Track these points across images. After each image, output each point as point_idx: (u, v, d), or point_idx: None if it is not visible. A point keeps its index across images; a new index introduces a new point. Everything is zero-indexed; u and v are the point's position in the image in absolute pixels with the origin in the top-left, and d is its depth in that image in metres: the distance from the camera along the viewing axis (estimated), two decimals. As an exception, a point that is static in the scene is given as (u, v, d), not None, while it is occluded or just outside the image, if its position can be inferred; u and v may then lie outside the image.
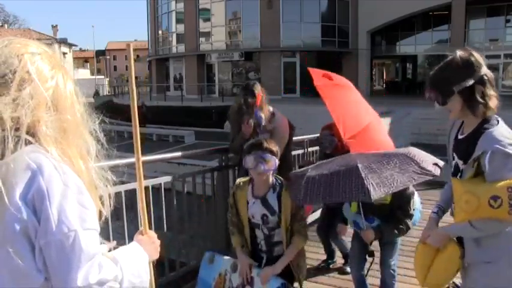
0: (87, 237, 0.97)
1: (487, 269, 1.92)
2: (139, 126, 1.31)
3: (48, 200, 0.94)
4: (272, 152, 2.60)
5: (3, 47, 1.02)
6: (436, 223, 2.22)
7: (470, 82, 1.83)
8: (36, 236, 0.94)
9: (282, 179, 2.74)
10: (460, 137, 2.01)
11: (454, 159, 2.05)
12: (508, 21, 27.06)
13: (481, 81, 1.85)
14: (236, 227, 2.78)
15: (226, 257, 2.92)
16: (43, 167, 0.95)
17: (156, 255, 1.29)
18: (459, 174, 1.97)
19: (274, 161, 2.59)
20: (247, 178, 2.78)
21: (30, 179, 0.94)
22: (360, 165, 2.41)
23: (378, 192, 2.27)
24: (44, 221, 0.93)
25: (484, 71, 1.87)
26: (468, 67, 1.86)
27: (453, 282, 3.55)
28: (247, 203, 2.71)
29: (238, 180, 2.84)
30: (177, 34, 33.92)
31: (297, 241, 2.67)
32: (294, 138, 4.01)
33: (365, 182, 2.30)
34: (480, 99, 1.84)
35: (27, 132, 0.98)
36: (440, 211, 2.24)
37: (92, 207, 1.02)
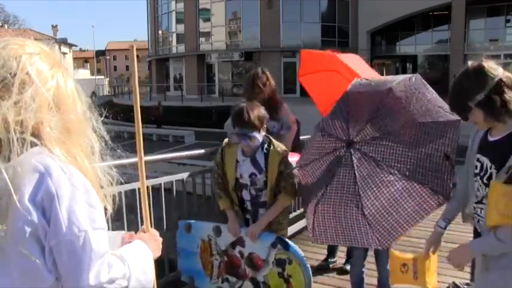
0: (97, 236, 0.98)
1: (504, 274, 1.87)
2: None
3: (58, 202, 0.94)
4: (255, 127, 2.54)
5: (0, 50, 1.01)
6: (440, 236, 2.24)
7: (484, 94, 1.81)
8: (46, 237, 0.94)
9: (270, 137, 2.73)
10: (491, 139, 1.94)
11: (478, 160, 1.98)
12: (508, 21, 27.05)
13: (497, 89, 1.82)
14: (223, 190, 2.77)
15: (204, 223, 2.93)
16: (51, 168, 0.95)
17: (159, 253, 1.30)
18: (486, 175, 1.91)
19: (258, 138, 2.57)
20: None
21: (39, 181, 0.94)
22: (365, 210, 2.16)
23: (387, 241, 2.18)
24: (53, 222, 0.94)
25: (500, 75, 1.84)
26: (478, 79, 1.84)
27: (453, 282, 3.57)
28: (237, 161, 2.71)
29: (227, 139, 2.81)
30: (177, 34, 33.94)
31: (283, 198, 2.66)
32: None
33: (370, 232, 2.18)
34: (500, 107, 1.81)
35: (32, 134, 0.98)
36: (447, 224, 2.23)
37: (99, 206, 1.03)
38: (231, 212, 2.76)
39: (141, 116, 1.32)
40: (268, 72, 3.60)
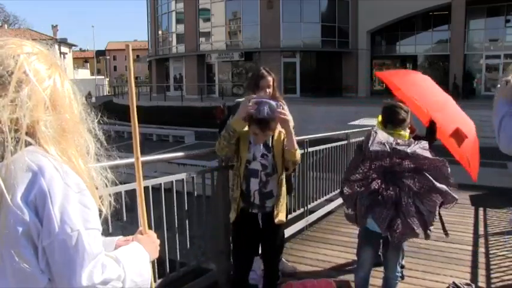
0: (90, 237, 0.97)
1: None
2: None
3: (50, 201, 0.93)
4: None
5: None
6: None
7: None
8: (38, 237, 0.93)
9: None
10: None
11: None
12: (508, 21, 27.06)
13: None
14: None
15: None
16: (44, 168, 0.94)
17: (156, 255, 1.29)
18: None
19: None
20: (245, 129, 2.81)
21: (31, 180, 0.93)
22: None
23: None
24: (46, 222, 0.93)
25: None
26: None
27: (453, 282, 3.57)
28: (249, 142, 2.80)
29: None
30: (177, 34, 33.94)
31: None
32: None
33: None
34: None
35: (27, 133, 0.98)
36: None
37: (94, 206, 1.02)
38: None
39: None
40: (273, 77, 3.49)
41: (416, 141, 2.77)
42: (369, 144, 2.72)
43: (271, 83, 3.35)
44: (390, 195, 2.68)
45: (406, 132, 2.91)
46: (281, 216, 2.85)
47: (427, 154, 2.71)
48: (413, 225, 2.65)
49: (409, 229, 2.65)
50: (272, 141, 2.82)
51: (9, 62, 0.99)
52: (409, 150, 2.67)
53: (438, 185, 2.66)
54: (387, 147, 2.70)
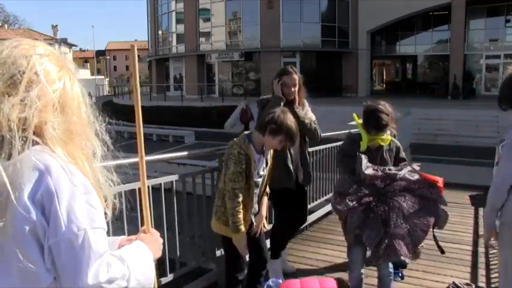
0: (96, 236, 0.97)
1: None
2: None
3: (57, 200, 0.94)
4: None
5: (12, 48, 1.02)
6: None
7: None
8: (45, 236, 0.94)
9: None
10: None
11: None
12: (508, 21, 27.06)
13: None
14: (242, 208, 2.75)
15: None
16: (51, 167, 0.95)
17: (159, 254, 1.29)
18: None
19: None
20: (242, 139, 2.75)
21: (38, 179, 0.94)
22: None
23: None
24: (53, 221, 0.94)
25: None
26: None
27: (453, 282, 3.57)
28: (254, 161, 2.78)
29: (239, 144, 2.72)
30: (177, 34, 33.94)
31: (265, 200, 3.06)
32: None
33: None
34: None
35: (34, 133, 0.99)
36: None
37: (100, 206, 1.03)
38: (245, 237, 2.78)
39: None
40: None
41: (406, 165, 2.87)
42: (363, 169, 2.76)
43: (297, 89, 3.58)
44: (380, 212, 2.73)
45: (388, 135, 2.99)
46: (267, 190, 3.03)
47: (416, 177, 2.78)
48: (398, 247, 2.69)
49: (393, 251, 2.69)
50: (267, 156, 2.89)
51: (22, 62, 1.00)
52: (398, 176, 2.75)
53: (428, 206, 2.74)
54: (379, 172, 2.77)
